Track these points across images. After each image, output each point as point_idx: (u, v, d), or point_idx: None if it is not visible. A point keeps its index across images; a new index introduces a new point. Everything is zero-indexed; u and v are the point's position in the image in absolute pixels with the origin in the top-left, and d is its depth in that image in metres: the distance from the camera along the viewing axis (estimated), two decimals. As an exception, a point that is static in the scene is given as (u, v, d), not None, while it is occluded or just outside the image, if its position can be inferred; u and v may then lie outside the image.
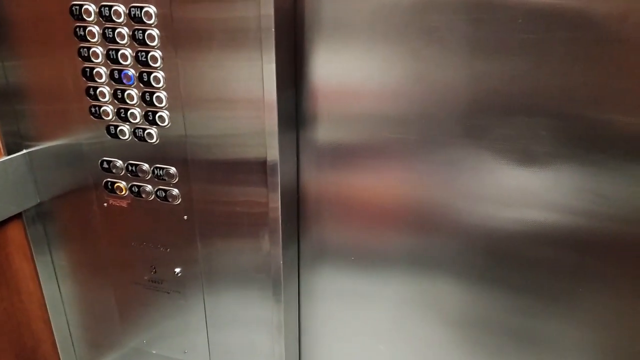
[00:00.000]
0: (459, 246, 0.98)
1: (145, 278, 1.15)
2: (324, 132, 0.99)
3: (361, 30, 0.88)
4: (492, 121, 0.87)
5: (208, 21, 0.86)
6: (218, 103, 0.92)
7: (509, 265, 0.96)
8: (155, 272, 1.13)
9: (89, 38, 0.94)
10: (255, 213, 0.98)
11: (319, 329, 1.18)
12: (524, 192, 0.89)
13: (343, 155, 0.99)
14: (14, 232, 1.18)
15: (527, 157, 0.87)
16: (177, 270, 1.11)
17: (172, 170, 1.00)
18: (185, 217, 1.04)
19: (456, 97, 0.87)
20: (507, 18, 0.79)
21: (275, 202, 0.94)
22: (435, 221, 0.98)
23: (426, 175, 0.95)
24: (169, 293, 1.15)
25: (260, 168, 0.94)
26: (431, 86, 0.88)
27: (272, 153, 0.90)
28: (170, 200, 1.03)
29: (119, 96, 0.97)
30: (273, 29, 0.81)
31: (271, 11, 0.80)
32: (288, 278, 1.05)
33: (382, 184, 0.99)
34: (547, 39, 0.78)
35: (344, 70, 0.92)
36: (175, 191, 1.02)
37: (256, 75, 0.87)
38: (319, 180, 1.03)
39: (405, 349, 1.12)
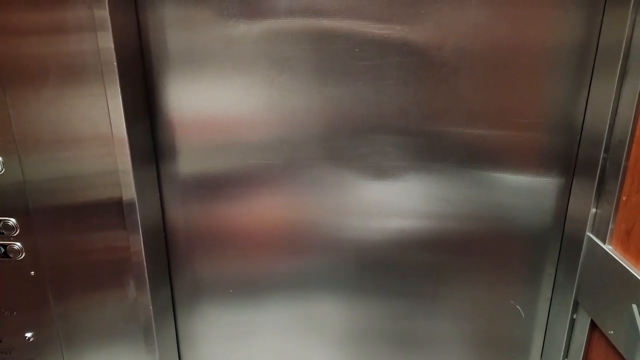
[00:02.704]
0: (332, 262, 1.01)
1: (-11, 351, 0.98)
2: (187, 165, 0.96)
3: (215, 61, 0.88)
4: (346, 142, 0.92)
5: (39, 57, 0.79)
6: (60, 143, 0.84)
7: (379, 273, 1.01)
8: (0, 341, 0.97)
9: None
10: (115, 259, 0.91)
11: (203, 373, 1.12)
12: (382, 203, 0.96)
13: (210, 186, 0.97)
14: None
15: (380, 171, 0.94)
16: (28, 335, 0.96)
17: (12, 221, 0.88)
18: (32, 272, 0.91)
19: (312, 121, 0.92)
20: (345, 48, 0.85)
21: (137, 244, 0.88)
22: (308, 241, 1.00)
23: (294, 198, 0.97)
24: (20, 364, 0.99)
25: (116, 209, 0.87)
26: (288, 112, 0.91)
27: (128, 191, 0.85)
28: (11, 255, 0.90)
29: None
30: (115, 62, 0.77)
31: (111, 44, 0.76)
32: (161, 324, 0.98)
33: (253, 211, 0.99)
34: (382, 65, 0.86)
35: (201, 101, 0.91)
36: (17, 245, 0.90)
37: (102, 111, 0.82)
38: (187, 215, 1.00)
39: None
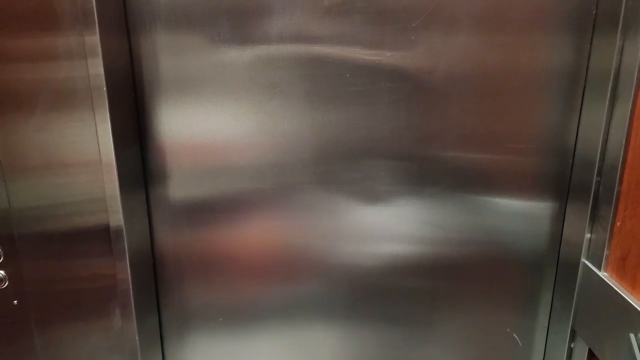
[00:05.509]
0: (324, 288, 0.99)
1: (-32, 384, 0.95)
2: (177, 190, 0.95)
3: (206, 86, 0.88)
4: (337, 166, 0.92)
5: (28, 82, 0.78)
6: (48, 169, 0.83)
7: (372, 299, 0.99)
8: (-20, 374, 0.94)
9: None
10: (101, 287, 0.88)
11: (191, 405, 1.08)
12: (374, 228, 0.95)
13: (200, 212, 0.96)
14: None
15: (372, 196, 0.93)
16: (9, 367, 0.93)
17: (-5, 249, 0.86)
18: (16, 301, 0.89)
19: (303, 146, 0.91)
20: (336, 73, 0.86)
21: (124, 271, 0.86)
22: (300, 267, 0.98)
23: (285, 223, 0.96)
24: (0, 397, 0.96)
25: (103, 236, 0.85)
26: (279, 137, 0.91)
27: (115, 218, 0.83)
28: (-6, 284, 0.88)
29: None
30: (105, 88, 0.77)
31: (101, 70, 0.76)
32: (148, 355, 0.95)
33: (244, 236, 0.97)
34: (373, 90, 0.86)
35: (192, 125, 0.91)
36: (1, 273, 0.87)
37: (91, 136, 0.81)
38: (176, 242, 0.98)
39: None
